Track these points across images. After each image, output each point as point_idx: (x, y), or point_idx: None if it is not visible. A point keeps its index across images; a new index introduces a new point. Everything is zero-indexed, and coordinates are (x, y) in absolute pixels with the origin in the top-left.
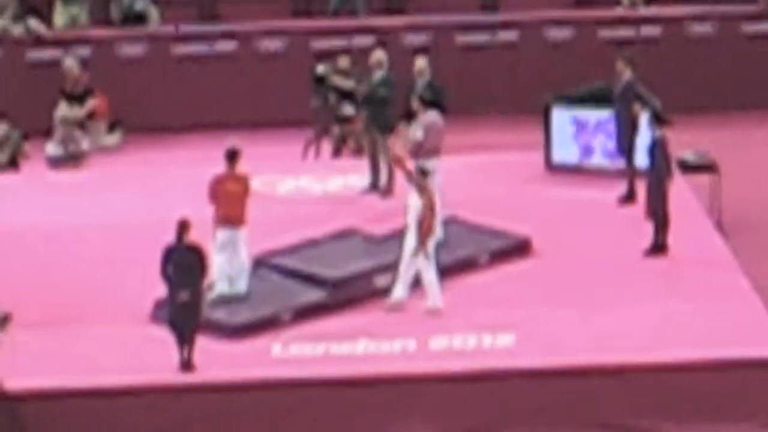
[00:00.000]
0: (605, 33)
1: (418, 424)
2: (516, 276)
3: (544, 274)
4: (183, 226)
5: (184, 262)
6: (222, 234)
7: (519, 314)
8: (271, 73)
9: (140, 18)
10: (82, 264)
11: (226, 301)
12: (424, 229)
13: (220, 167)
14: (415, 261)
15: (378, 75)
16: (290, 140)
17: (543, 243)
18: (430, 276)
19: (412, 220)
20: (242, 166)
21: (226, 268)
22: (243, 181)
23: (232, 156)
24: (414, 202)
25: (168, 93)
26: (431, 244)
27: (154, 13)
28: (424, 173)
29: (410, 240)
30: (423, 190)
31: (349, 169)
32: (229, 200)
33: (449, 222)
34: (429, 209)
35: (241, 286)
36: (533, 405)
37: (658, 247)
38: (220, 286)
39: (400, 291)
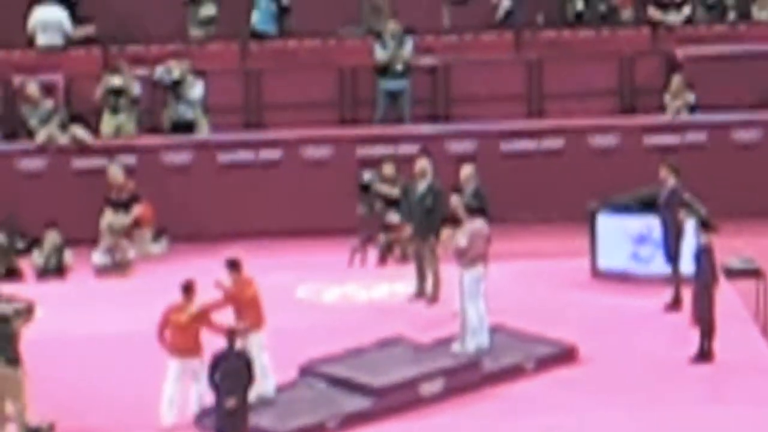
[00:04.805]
0: (650, 140)
1: None
2: (563, 383)
3: (591, 381)
4: (232, 333)
5: (232, 369)
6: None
7: (567, 422)
8: (317, 181)
9: (189, 126)
10: (129, 371)
11: (268, 406)
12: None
13: (262, 275)
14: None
15: (423, 184)
16: (336, 248)
17: (589, 350)
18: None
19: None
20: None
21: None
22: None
23: (232, 265)
24: None
25: (213, 201)
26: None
27: (203, 121)
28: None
29: None
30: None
31: (394, 277)
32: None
33: (495, 330)
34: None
35: (268, 388)
36: None
37: (704, 354)
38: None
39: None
